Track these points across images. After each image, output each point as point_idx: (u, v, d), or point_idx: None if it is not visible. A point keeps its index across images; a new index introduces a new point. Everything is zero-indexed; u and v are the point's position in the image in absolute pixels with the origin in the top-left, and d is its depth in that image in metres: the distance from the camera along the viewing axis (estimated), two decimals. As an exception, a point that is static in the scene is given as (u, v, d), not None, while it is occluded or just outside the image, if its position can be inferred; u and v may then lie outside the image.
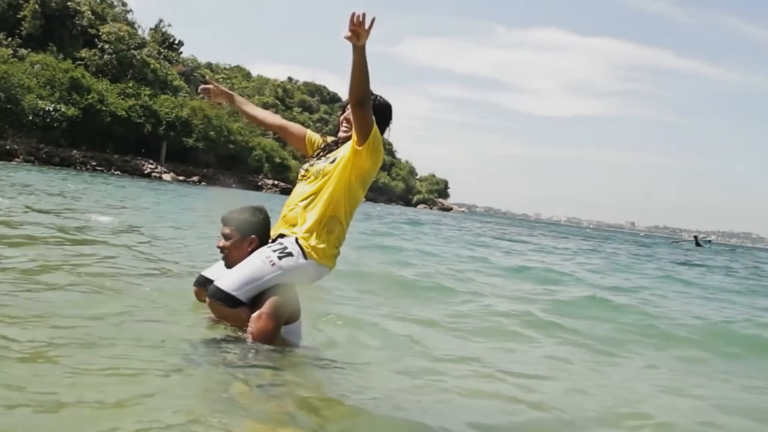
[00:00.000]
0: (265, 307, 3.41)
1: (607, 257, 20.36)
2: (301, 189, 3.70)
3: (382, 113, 3.80)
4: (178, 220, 12.72)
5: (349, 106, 3.73)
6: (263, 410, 2.65)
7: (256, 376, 2.99)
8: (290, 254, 3.48)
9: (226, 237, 3.63)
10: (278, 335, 3.49)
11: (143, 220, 11.18)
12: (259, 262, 3.45)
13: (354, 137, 3.62)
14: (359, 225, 19.81)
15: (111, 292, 4.33)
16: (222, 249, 3.63)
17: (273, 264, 3.43)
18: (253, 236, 3.62)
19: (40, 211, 9.68)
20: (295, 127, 4.18)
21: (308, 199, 3.63)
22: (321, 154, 3.83)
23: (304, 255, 3.51)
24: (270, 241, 3.63)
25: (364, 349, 4.09)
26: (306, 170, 3.78)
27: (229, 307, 3.41)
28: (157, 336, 3.36)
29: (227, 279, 3.45)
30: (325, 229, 3.58)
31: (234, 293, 3.38)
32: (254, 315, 3.41)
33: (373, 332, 4.56)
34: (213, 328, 3.61)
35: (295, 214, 3.62)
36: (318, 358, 3.62)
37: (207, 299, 3.48)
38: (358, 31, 3.33)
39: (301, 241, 3.53)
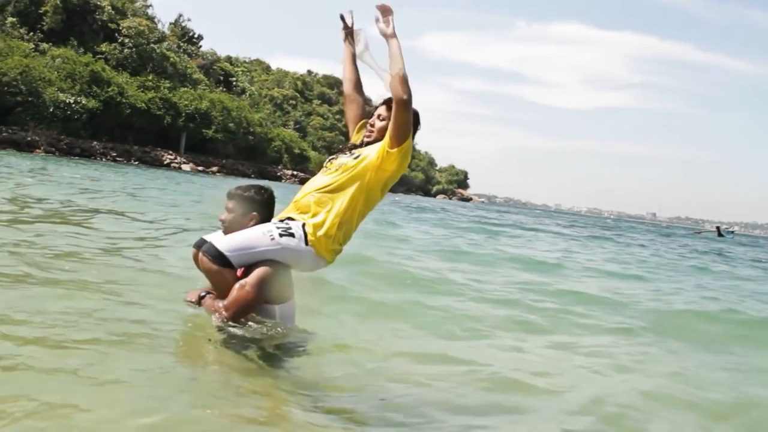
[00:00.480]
0: (251, 278, 3.44)
1: (625, 247, 20.15)
2: (320, 179, 3.72)
3: (413, 120, 3.78)
4: (178, 207, 12.75)
5: (377, 112, 3.82)
6: (250, 403, 2.63)
7: (242, 373, 2.98)
8: (292, 235, 3.50)
9: (228, 210, 3.68)
10: (254, 309, 3.50)
11: (143, 207, 11.19)
12: (258, 233, 3.49)
13: (387, 138, 3.62)
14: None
15: (92, 285, 4.22)
16: (223, 222, 3.68)
17: (272, 238, 3.46)
18: (254, 213, 3.66)
19: (42, 200, 9.77)
20: (358, 108, 4.16)
21: (324, 190, 3.64)
22: (347, 149, 3.85)
23: (306, 241, 3.52)
24: (278, 221, 3.63)
25: (353, 337, 4.06)
26: (330, 161, 3.81)
27: (217, 264, 3.42)
28: (133, 331, 3.28)
29: (223, 240, 3.49)
30: (335, 227, 3.59)
31: (226, 253, 3.41)
32: (237, 284, 3.44)
33: (366, 323, 4.54)
34: (194, 319, 3.60)
35: (308, 201, 3.63)
36: (306, 347, 3.60)
37: (199, 255, 3.49)
38: (385, 8, 3.62)
39: (307, 228, 3.54)
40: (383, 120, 3.79)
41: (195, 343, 3.32)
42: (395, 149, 3.60)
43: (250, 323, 3.51)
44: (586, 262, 12.02)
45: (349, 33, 4.17)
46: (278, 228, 3.52)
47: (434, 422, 2.80)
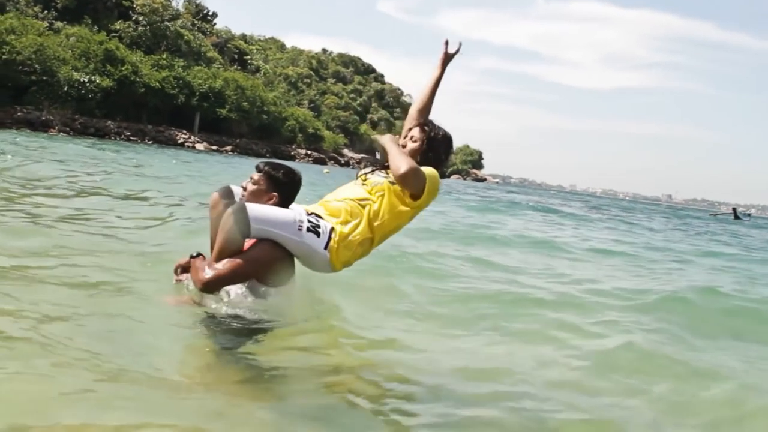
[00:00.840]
0: (250, 253, 3.43)
1: (640, 229, 19.98)
2: (354, 189, 3.81)
3: (443, 146, 4.00)
4: (181, 184, 12.62)
5: (410, 133, 3.97)
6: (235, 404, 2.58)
7: (224, 368, 2.92)
8: (317, 234, 3.51)
9: (253, 182, 3.72)
10: (238, 282, 3.51)
11: (143, 185, 11.00)
12: (290, 218, 3.47)
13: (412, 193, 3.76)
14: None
15: (76, 273, 4.00)
16: (244, 189, 3.71)
17: (299, 228, 3.46)
18: (275, 194, 3.69)
19: (41, 178, 9.70)
20: (413, 117, 4.27)
21: (357, 201, 3.71)
22: (382, 168, 3.93)
23: (326, 246, 3.53)
24: (306, 213, 3.62)
25: (346, 323, 3.95)
26: (365, 174, 3.91)
27: (238, 229, 3.37)
28: (114, 328, 3.12)
29: (257, 207, 3.46)
30: (356, 243, 3.63)
31: (251, 222, 3.37)
32: (230, 257, 3.41)
33: (362, 307, 4.45)
34: (179, 309, 3.52)
35: (339, 206, 3.67)
36: (298, 334, 3.53)
37: (228, 212, 3.42)
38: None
39: (332, 234, 3.55)
40: (415, 142, 3.92)
41: (179, 341, 3.17)
42: (419, 200, 3.75)
43: (241, 309, 3.49)
44: (597, 243, 11.90)
45: (447, 60, 4.31)
46: (309, 222, 3.51)
47: (428, 415, 2.74)
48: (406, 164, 3.62)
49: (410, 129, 4.01)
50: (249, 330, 3.34)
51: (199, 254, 3.59)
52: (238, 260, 3.39)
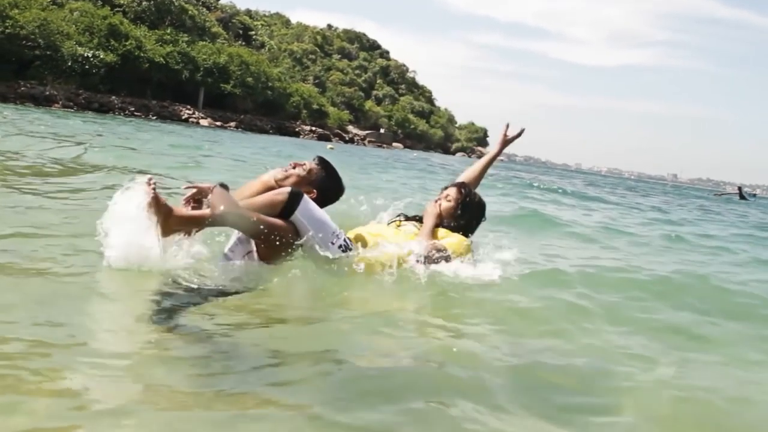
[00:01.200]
0: (274, 218, 3.51)
1: (644, 208, 19.89)
2: (389, 231, 4.09)
3: (475, 211, 4.23)
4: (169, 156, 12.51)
5: (446, 192, 4.24)
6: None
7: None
8: (344, 252, 3.73)
9: (304, 168, 3.86)
10: (239, 226, 3.56)
11: (134, 163, 10.85)
12: (330, 228, 3.67)
13: None
14: (386, 174, 19.67)
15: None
16: (293, 168, 3.85)
17: (332, 243, 3.65)
18: (315, 191, 3.82)
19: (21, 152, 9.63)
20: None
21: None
22: (418, 220, 4.23)
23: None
24: (345, 236, 3.80)
25: (329, 307, 3.90)
26: (400, 221, 4.23)
27: (284, 207, 3.50)
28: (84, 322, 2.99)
29: (311, 203, 3.60)
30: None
31: (297, 210, 3.52)
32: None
33: (349, 291, 4.40)
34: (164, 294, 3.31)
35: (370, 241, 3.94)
36: (284, 315, 3.47)
37: (286, 190, 3.56)
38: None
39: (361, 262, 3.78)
40: (449, 201, 4.15)
41: (151, 324, 2.89)
42: None
43: (220, 283, 3.43)
44: (600, 221, 11.83)
45: (506, 143, 4.77)
46: (344, 241, 3.72)
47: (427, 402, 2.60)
48: (422, 247, 3.91)
49: (446, 188, 4.27)
50: (234, 304, 3.25)
51: (224, 185, 3.55)
52: (264, 216, 3.47)
